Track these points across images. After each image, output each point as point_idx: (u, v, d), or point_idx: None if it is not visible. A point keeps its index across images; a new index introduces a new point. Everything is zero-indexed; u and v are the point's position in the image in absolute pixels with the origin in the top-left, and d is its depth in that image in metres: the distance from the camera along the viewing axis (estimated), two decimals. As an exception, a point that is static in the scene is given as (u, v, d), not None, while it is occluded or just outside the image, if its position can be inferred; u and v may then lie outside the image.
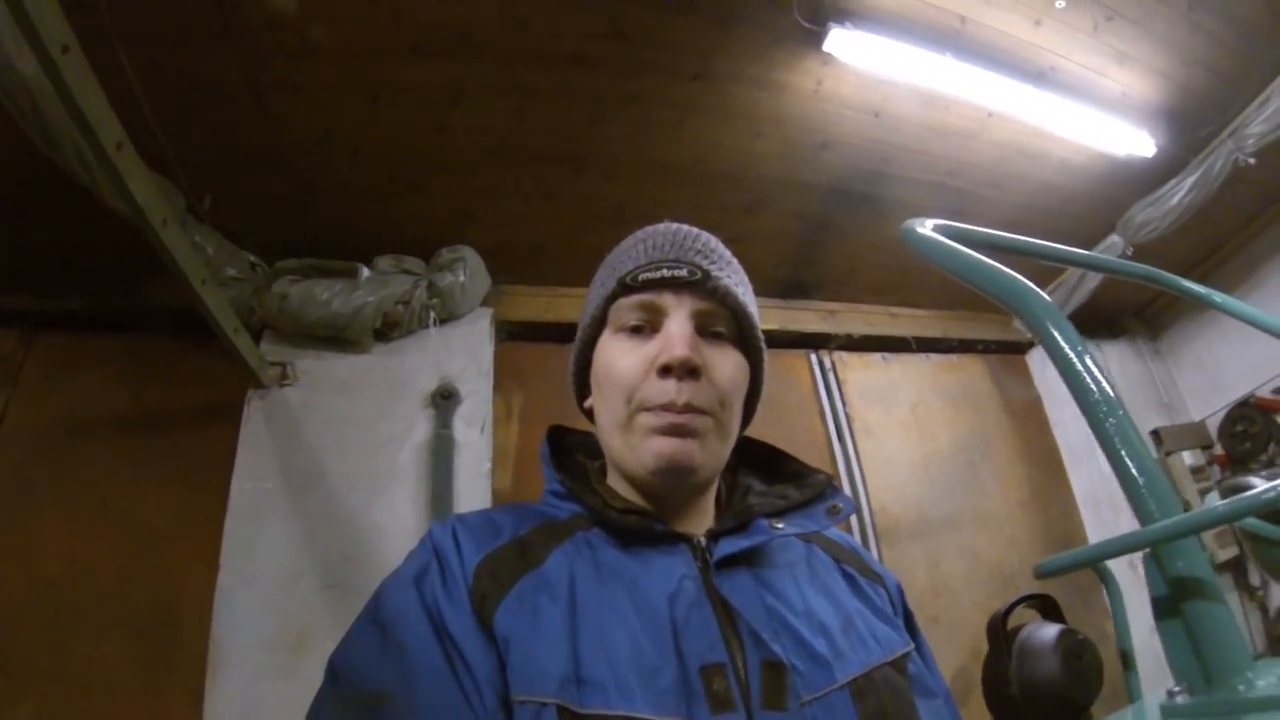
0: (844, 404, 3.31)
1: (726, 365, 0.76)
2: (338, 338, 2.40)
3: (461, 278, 2.48)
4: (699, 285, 0.75)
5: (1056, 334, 0.95)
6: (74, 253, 2.50)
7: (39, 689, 2.20)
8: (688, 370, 0.72)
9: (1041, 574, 0.92)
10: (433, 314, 2.45)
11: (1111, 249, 3.38)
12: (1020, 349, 4.00)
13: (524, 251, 2.73)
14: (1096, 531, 3.61)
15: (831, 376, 3.34)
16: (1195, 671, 0.71)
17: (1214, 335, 4.20)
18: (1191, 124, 2.91)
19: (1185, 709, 0.70)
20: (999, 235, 1.49)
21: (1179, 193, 3.12)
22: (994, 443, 3.55)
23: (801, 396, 3.26)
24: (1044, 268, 3.59)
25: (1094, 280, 3.51)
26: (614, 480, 0.81)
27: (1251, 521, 1.42)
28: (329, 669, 0.63)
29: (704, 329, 0.76)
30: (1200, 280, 4.10)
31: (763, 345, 0.83)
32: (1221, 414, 4.06)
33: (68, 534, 2.38)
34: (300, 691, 0.66)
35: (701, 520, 0.79)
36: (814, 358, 3.33)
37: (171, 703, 2.20)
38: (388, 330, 2.46)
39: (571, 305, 2.93)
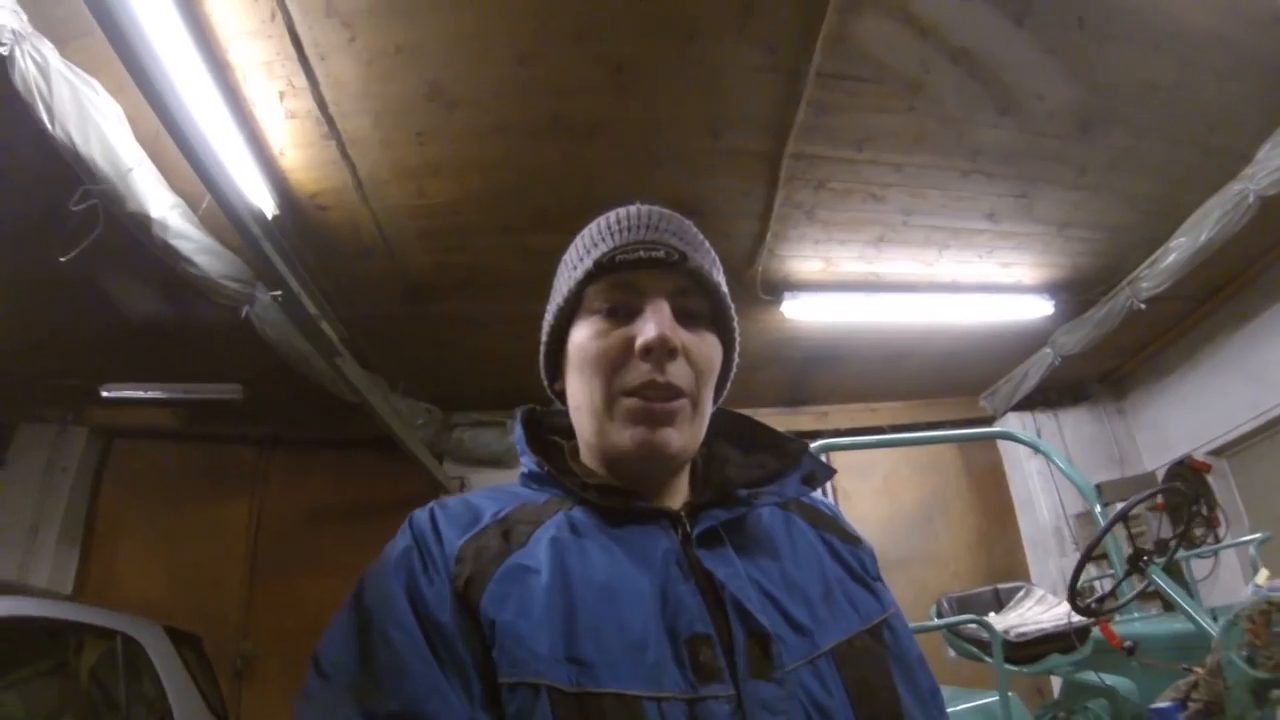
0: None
1: (703, 346, 0.82)
2: (496, 462, 4.37)
3: (571, 423, 4.46)
4: (676, 267, 0.81)
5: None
6: (301, 400, 4.42)
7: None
8: (667, 351, 0.77)
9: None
10: (558, 443, 4.49)
11: (1044, 358, 4.95)
12: (988, 421, 5.64)
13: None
14: (1036, 566, 5.28)
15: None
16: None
17: (1164, 401, 5.69)
18: (1086, 287, 4.42)
19: None
20: (882, 439, 3.17)
21: (1088, 325, 4.62)
22: (951, 499, 5.25)
23: (798, 478, 5.10)
24: (998, 362, 5.21)
25: (1038, 373, 5.09)
26: (588, 459, 0.87)
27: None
28: (313, 662, 0.67)
29: (680, 310, 0.81)
30: (1131, 373, 5.62)
31: (735, 325, 0.89)
32: (1168, 466, 5.60)
33: (322, 588, 4.35)
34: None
35: (678, 494, 0.86)
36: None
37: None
38: (529, 456, 4.48)
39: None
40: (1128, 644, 2.63)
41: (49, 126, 2.50)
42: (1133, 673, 2.71)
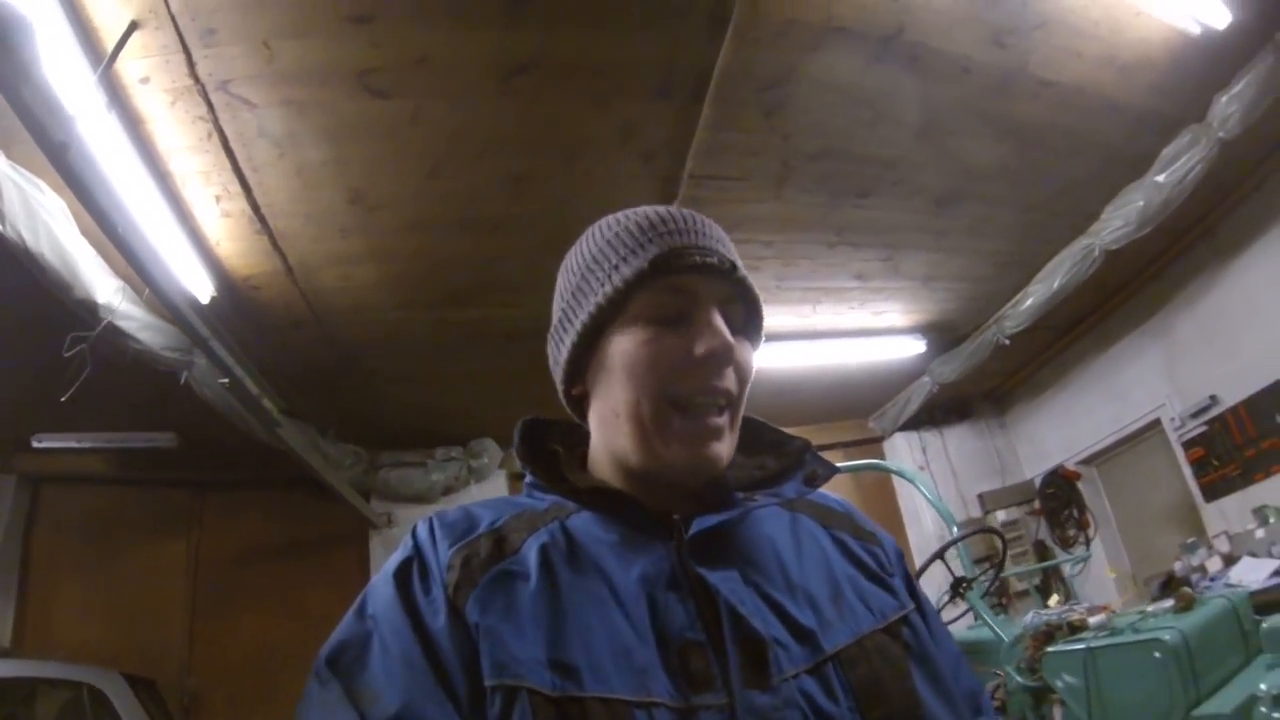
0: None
1: (747, 355, 0.83)
2: (419, 499, 4.85)
3: (485, 459, 4.96)
4: (726, 275, 0.81)
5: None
6: (234, 445, 4.82)
7: (259, 713, 4.61)
8: (728, 360, 0.78)
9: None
10: (472, 480, 4.93)
11: (923, 386, 5.65)
12: (879, 439, 6.36)
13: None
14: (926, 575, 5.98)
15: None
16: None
17: (1040, 416, 6.47)
18: (955, 327, 5.12)
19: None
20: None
21: (960, 358, 5.32)
22: (842, 514, 5.90)
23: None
24: (883, 389, 5.89)
25: (919, 399, 5.81)
26: (606, 465, 0.87)
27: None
28: (315, 667, 0.70)
29: (725, 318, 0.80)
30: (1010, 391, 6.46)
31: (763, 336, 0.91)
32: (1044, 475, 6.38)
33: (261, 622, 4.78)
34: None
35: (684, 499, 0.83)
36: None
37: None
38: (447, 491, 4.94)
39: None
40: (950, 652, 3.27)
41: (-1, 227, 2.88)
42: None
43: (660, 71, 2.86)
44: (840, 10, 2.79)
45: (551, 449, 0.91)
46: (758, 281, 3.03)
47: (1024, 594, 5.97)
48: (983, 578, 3.39)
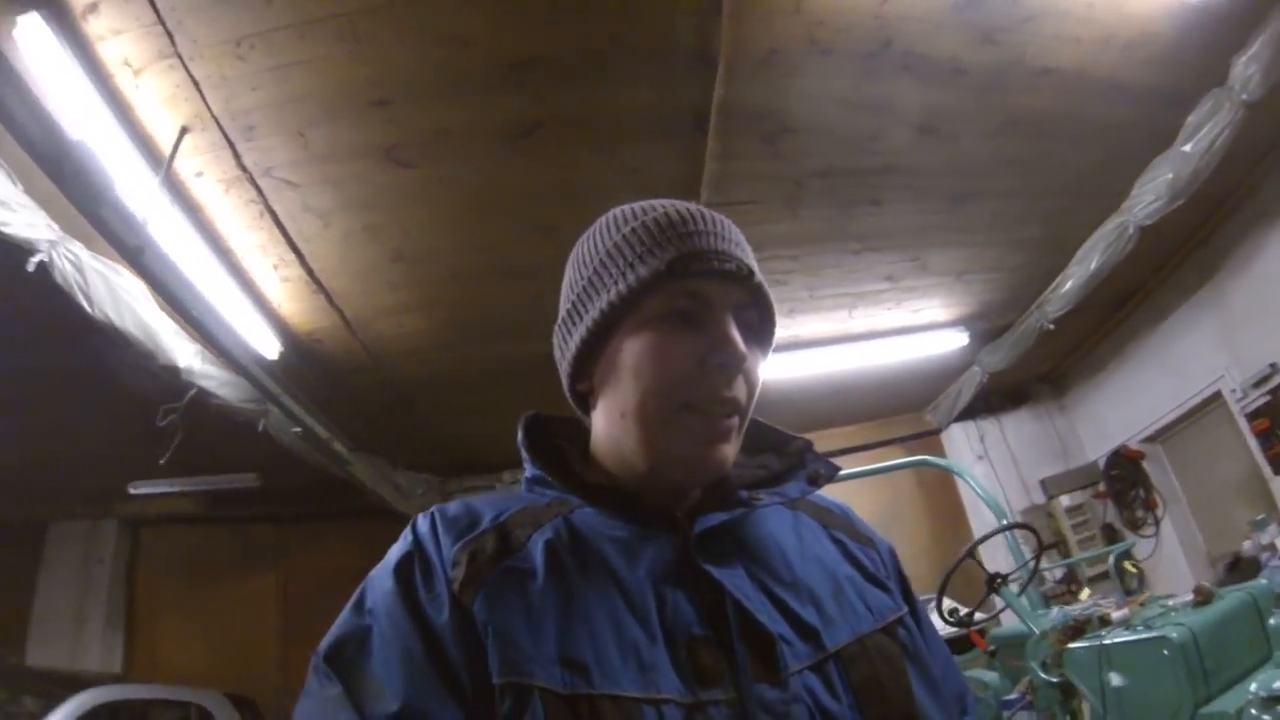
0: (788, 499, 5.95)
1: (757, 364, 0.84)
2: None
3: (550, 479, 5.34)
4: (743, 281, 0.81)
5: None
6: (312, 481, 5.25)
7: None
8: (739, 370, 0.79)
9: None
10: (539, 500, 5.44)
11: (973, 375, 5.71)
12: (936, 432, 6.43)
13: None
14: (988, 564, 6.02)
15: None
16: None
17: (1100, 395, 6.40)
18: (997, 316, 5.18)
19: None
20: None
21: (1006, 346, 5.38)
22: (904, 507, 6.03)
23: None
24: (935, 381, 5.98)
25: (970, 389, 5.87)
26: (613, 463, 0.86)
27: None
28: (314, 662, 0.70)
29: (738, 324, 0.80)
30: (1067, 372, 6.38)
31: (773, 341, 0.90)
32: (1106, 456, 6.32)
33: (349, 647, 5.19)
34: None
35: (686, 498, 0.85)
36: (768, 471, 5.99)
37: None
38: (519, 516, 5.43)
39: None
40: (991, 648, 3.40)
41: (89, 311, 3.24)
42: (1000, 669, 3.48)
43: (661, 113, 3.07)
44: (821, 34, 2.90)
45: (556, 444, 0.92)
46: (788, 294, 3.91)
47: (1097, 580, 5.96)
48: (1020, 572, 3.49)
